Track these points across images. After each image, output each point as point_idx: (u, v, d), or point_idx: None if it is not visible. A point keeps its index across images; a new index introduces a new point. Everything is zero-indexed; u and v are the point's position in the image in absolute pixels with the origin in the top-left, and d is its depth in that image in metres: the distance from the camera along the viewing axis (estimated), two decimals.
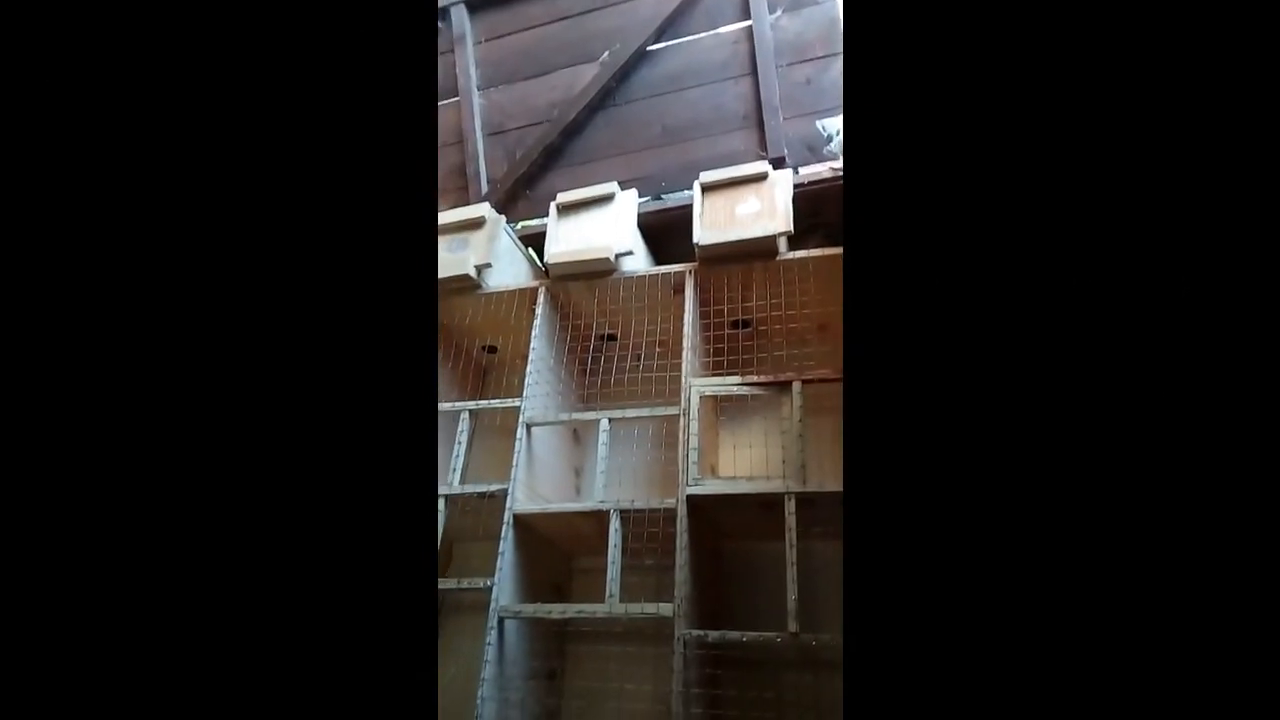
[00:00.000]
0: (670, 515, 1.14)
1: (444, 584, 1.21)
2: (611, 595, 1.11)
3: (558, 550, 1.42)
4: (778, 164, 1.46)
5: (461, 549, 1.52)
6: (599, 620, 1.24)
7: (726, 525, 1.26)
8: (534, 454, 1.32)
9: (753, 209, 1.28)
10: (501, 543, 1.19)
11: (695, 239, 1.28)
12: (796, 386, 1.15)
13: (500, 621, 1.14)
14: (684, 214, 1.46)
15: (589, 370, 1.51)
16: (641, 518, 1.16)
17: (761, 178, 1.31)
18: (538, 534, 1.31)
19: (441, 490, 1.27)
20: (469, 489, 1.26)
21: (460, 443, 1.31)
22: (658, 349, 1.39)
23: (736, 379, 1.20)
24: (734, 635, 1.04)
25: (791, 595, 1.02)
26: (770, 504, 1.12)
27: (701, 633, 1.05)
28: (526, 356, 1.37)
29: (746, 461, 1.31)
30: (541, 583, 1.30)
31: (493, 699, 1.09)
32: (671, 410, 1.22)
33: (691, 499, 1.13)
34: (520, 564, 1.24)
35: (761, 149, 1.59)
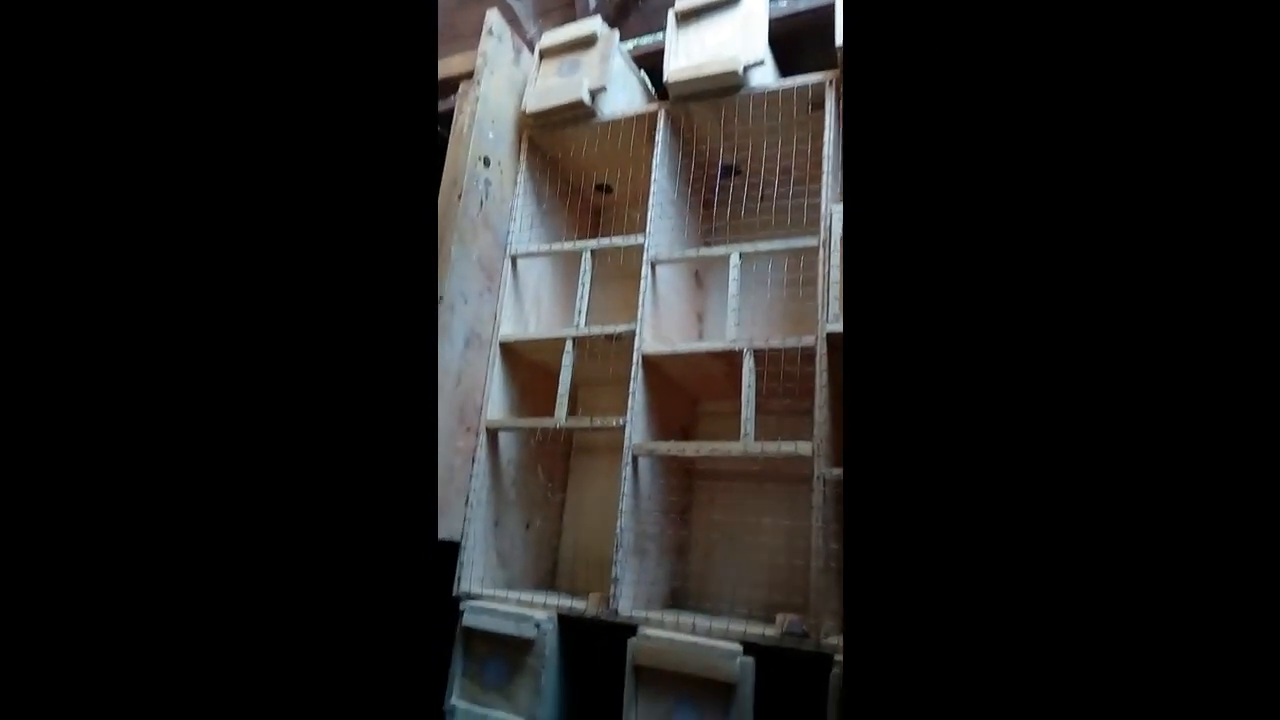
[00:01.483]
0: (807, 354, 1.12)
1: (576, 423, 1.26)
2: (746, 434, 1.13)
3: (684, 394, 1.45)
4: None
5: (587, 393, 1.59)
6: (731, 459, 1.28)
7: None
8: (659, 297, 1.32)
9: None
10: (631, 383, 1.22)
11: (840, 42, 1.15)
12: None
13: (634, 459, 1.19)
14: (817, 17, 1.32)
15: (715, 205, 1.45)
16: (777, 356, 1.15)
17: None
18: (664, 376, 1.33)
19: (568, 332, 1.30)
20: (595, 330, 1.28)
21: (584, 284, 1.31)
22: (793, 173, 1.31)
23: None
24: None
25: None
26: None
27: (841, 470, 1.06)
28: (643, 195, 1.33)
29: None
30: (669, 425, 1.34)
31: (630, 530, 1.17)
32: (809, 241, 1.16)
33: (832, 337, 1.10)
34: (649, 405, 1.27)
35: None
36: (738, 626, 1.05)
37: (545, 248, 1.40)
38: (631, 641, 1.07)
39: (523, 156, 1.45)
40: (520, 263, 1.42)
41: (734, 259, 1.21)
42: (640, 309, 1.25)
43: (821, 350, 1.10)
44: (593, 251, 1.34)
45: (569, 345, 1.29)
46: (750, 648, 1.01)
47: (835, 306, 1.11)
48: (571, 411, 1.31)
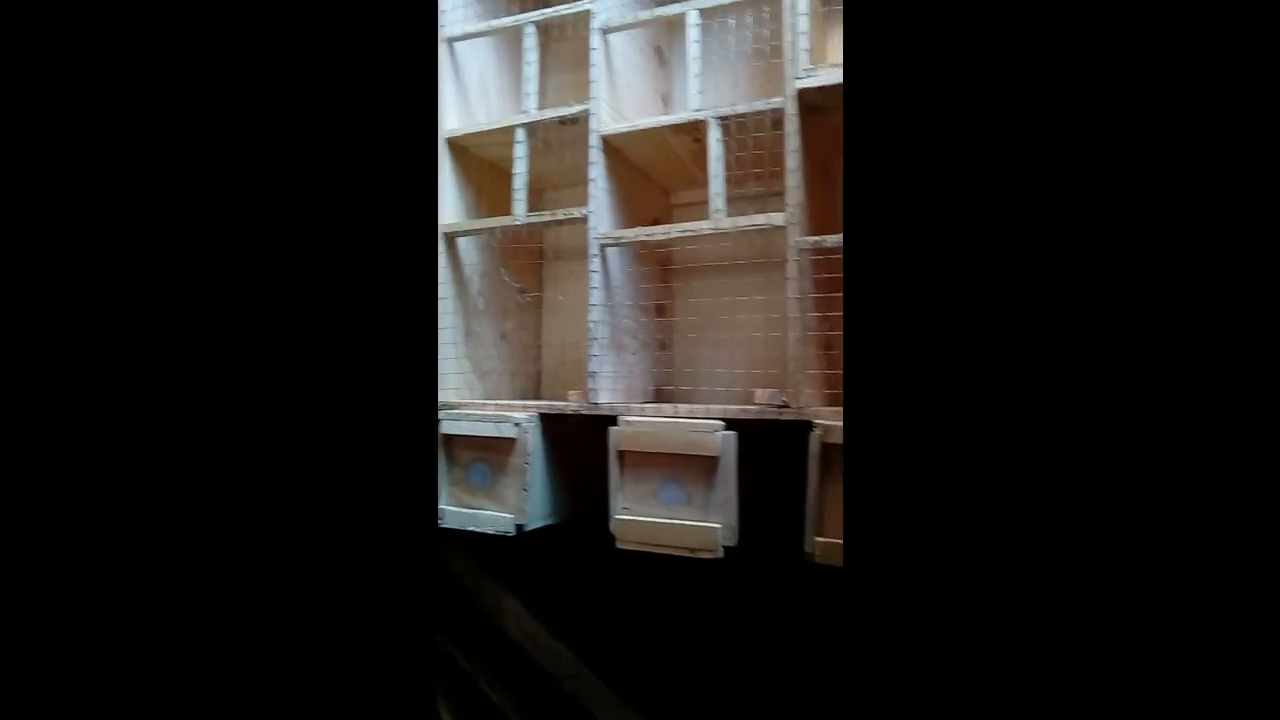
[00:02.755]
0: (777, 117, 1.07)
1: (537, 218, 1.23)
2: (717, 211, 1.10)
3: (653, 184, 1.41)
4: None
5: (552, 196, 1.54)
6: (705, 242, 1.26)
7: (839, 132, 1.17)
8: (615, 73, 1.24)
9: None
10: (592, 169, 1.17)
11: None
12: None
13: (602, 249, 1.17)
14: None
15: None
16: (744, 125, 1.10)
17: None
18: (630, 162, 1.28)
19: (518, 119, 1.24)
20: (548, 114, 1.21)
21: (529, 63, 1.23)
22: None
23: None
24: None
25: None
26: None
27: (817, 239, 1.04)
28: None
29: None
30: (640, 218, 1.31)
31: (604, 322, 1.17)
32: None
33: (803, 95, 1.05)
34: (615, 194, 1.23)
35: None
36: (718, 405, 1.08)
37: (484, 26, 1.29)
38: (613, 429, 1.10)
39: None
40: (459, 48, 1.32)
41: (692, 18, 1.12)
42: (594, 85, 1.17)
43: (792, 110, 1.05)
44: (537, 24, 1.24)
45: (520, 134, 1.23)
46: (733, 425, 1.05)
47: (804, 59, 1.04)
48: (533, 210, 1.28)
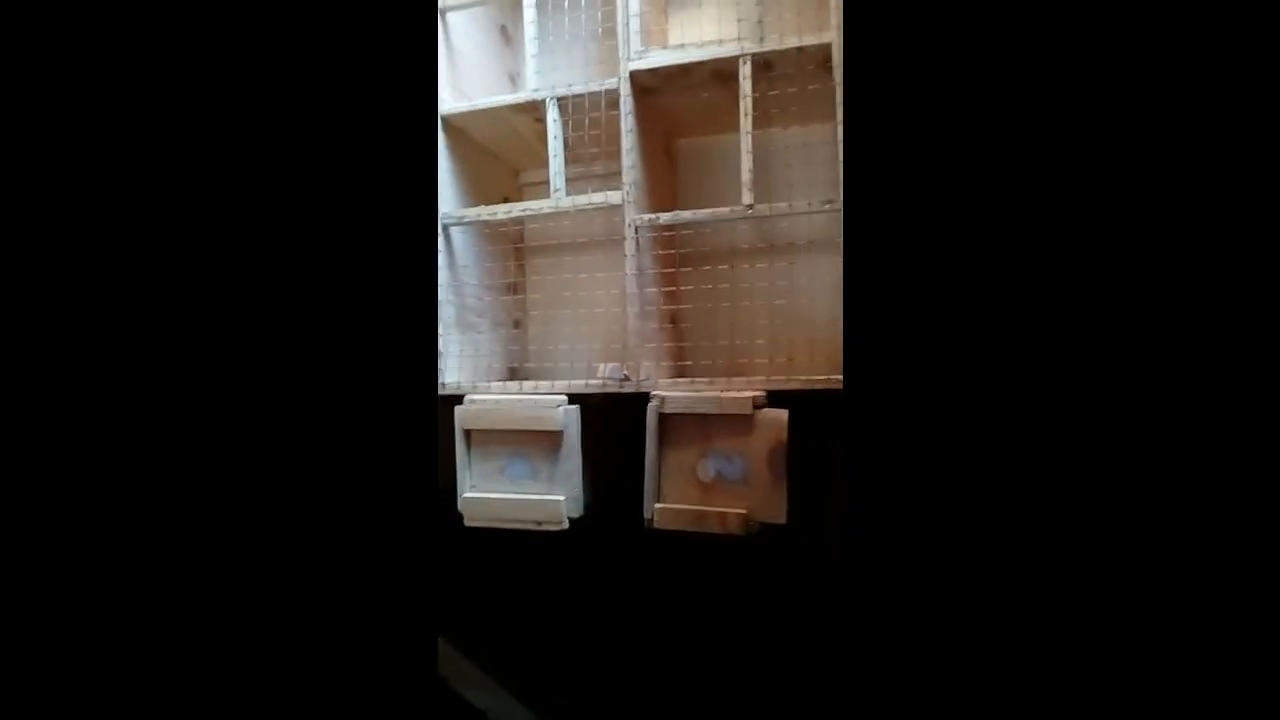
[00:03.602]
0: (612, 97, 1.11)
1: None
2: (557, 190, 1.13)
3: (502, 165, 1.42)
4: None
5: None
6: (548, 220, 1.29)
7: (678, 113, 1.23)
8: (457, 52, 1.24)
9: None
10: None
11: None
12: None
13: (445, 229, 1.18)
14: None
15: None
16: (581, 104, 1.13)
17: None
18: (475, 143, 1.29)
19: None
20: None
21: None
22: None
23: None
24: (686, 215, 1.08)
25: (746, 167, 1.03)
26: (725, 76, 1.08)
27: (653, 215, 1.09)
28: None
29: (698, 31, 1.23)
30: (489, 198, 1.32)
31: (451, 303, 1.18)
32: None
33: (635, 76, 1.09)
34: (461, 175, 1.24)
35: None
36: (562, 381, 1.11)
37: None
38: (458, 409, 1.12)
39: None
40: None
41: None
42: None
43: (625, 91, 1.09)
44: None
45: None
46: (577, 399, 1.08)
47: (636, 42, 1.08)
48: None
